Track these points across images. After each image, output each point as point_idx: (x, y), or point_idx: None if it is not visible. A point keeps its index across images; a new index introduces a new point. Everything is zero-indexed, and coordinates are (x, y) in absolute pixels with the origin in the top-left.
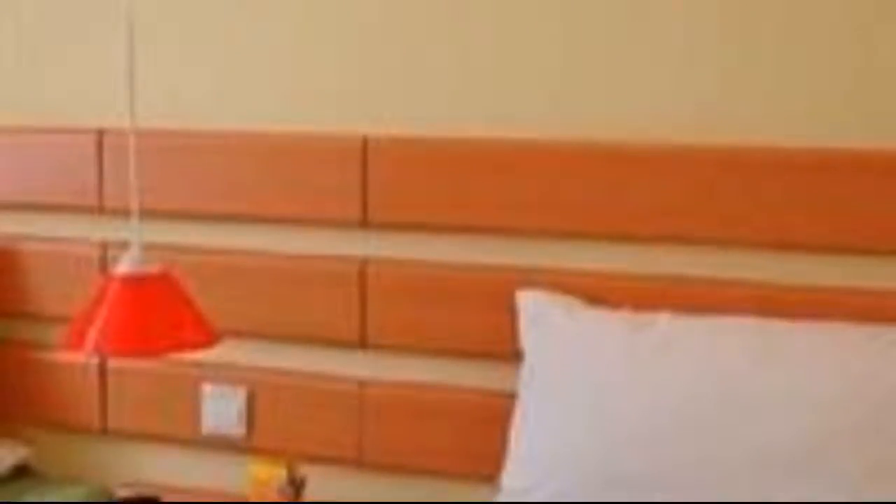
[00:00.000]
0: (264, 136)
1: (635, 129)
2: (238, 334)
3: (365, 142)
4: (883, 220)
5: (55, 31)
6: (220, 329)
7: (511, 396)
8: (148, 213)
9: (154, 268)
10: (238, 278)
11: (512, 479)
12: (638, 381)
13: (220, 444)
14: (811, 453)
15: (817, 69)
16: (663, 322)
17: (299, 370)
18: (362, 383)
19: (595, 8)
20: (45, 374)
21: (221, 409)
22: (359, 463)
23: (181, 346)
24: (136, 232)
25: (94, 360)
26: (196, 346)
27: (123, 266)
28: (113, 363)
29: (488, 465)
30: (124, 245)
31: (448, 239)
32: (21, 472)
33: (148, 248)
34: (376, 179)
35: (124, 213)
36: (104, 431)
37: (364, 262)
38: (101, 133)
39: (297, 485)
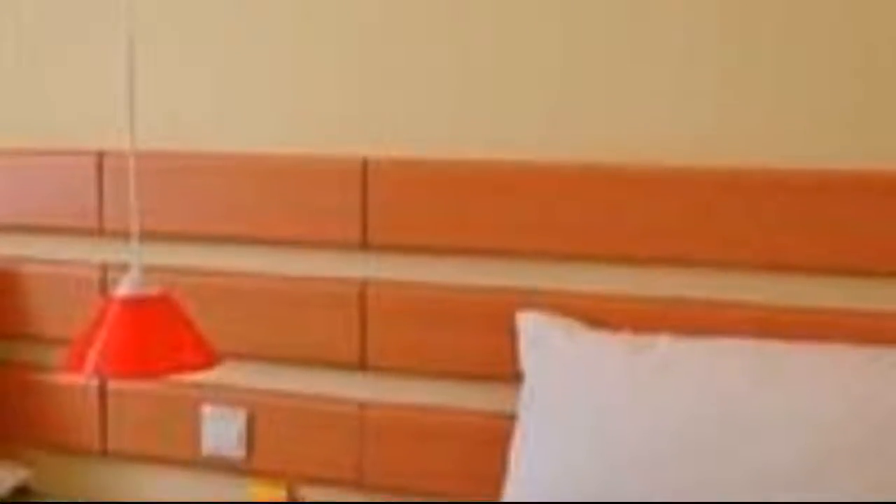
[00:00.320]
0: (264, 158)
1: (634, 151)
2: (238, 356)
3: (365, 163)
4: (882, 242)
5: (55, 53)
6: (220, 351)
7: (511, 418)
8: (148, 235)
9: (154, 290)
10: (238, 300)
11: (512, 500)
12: (638, 402)
13: (220, 466)
14: (811, 475)
15: (816, 91)
16: (663, 344)
17: (299, 392)
18: (362, 405)
19: (594, 30)
20: (45, 395)
21: (221, 431)
22: (359, 485)
23: (181, 368)
24: (136, 254)
25: (94, 382)
26: (196, 367)
27: (123, 288)
28: (113, 385)
29: (488, 487)
30: (124, 267)
31: (448, 261)
32: (21, 493)
33: (148, 269)
34: (376, 201)
35: (124, 234)
36: (104, 453)
37: (364, 284)
38: (101, 155)
39: None
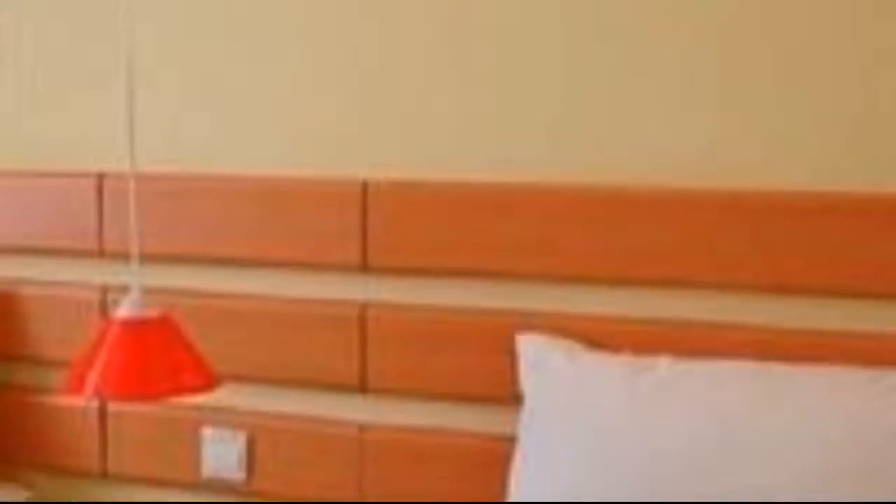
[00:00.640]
0: (264, 181)
1: (634, 174)
2: (238, 378)
3: (365, 186)
4: (884, 264)
5: (55, 75)
6: (220, 373)
7: (511, 440)
8: (148, 257)
9: (154, 312)
10: (238, 322)
11: None
12: (639, 424)
13: (221, 488)
14: (812, 497)
15: (817, 113)
16: (664, 366)
17: (299, 414)
18: (362, 427)
19: (595, 53)
20: (45, 417)
21: (221, 453)
22: None
23: (181, 390)
24: (137, 276)
25: (94, 404)
26: (196, 390)
27: (123, 310)
28: (113, 407)
29: None
30: (124, 289)
31: (448, 283)
32: None
33: (148, 291)
34: (376, 223)
35: (124, 256)
36: (104, 475)
37: (364, 307)
38: (101, 177)
39: None
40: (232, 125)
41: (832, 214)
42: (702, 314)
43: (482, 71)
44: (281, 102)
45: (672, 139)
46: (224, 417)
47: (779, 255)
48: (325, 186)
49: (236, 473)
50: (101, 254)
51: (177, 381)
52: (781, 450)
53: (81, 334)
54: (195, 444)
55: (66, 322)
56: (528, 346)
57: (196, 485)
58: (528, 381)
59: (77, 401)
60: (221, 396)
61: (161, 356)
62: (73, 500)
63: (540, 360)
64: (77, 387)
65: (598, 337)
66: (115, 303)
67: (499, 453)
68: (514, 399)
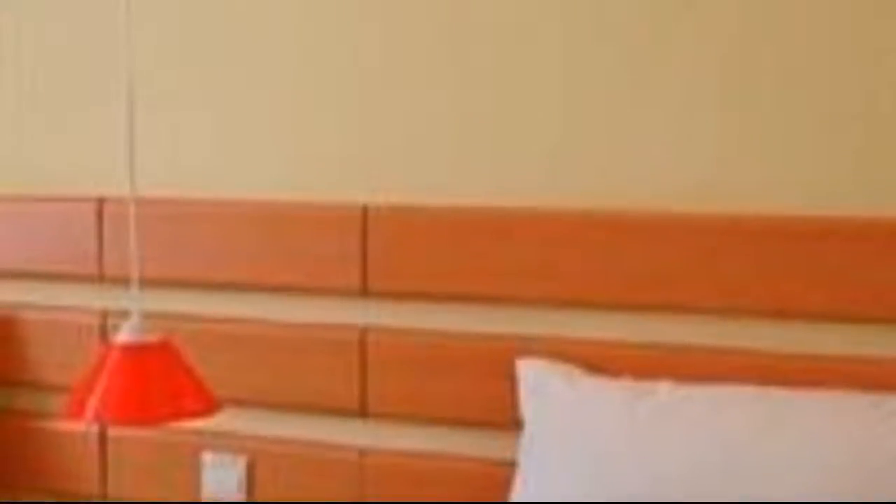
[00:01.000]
0: (264, 205)
1: (634, 198)
2: (238, 403)
3: (365, 210)
4: (884, 288)
5: (55, 99)
6: (220, 397)
7: (511, 465)
8: (148, 282)
9: (154, 336)
10: (238, 347)
11: None
12: (639, 449)
13: None
14: None
15: (817, 137)
16: (664, 391)
17: (299, 439)
18: (362, 452)
19: (595, 77)
20: (46, 442)
21: (221, 478)
22: None
23: (181, 415)
24: (137, 300)
25: (95, 429)
26: (196, 414)
27: (123, 335)
28: (113, 432)
29: None
30: (124, 314)
31: (448, 307)
32: None
33: (148, 316)
34: (376, 248)
35: (124, 281)
36: (104, 500)
37: (364, 331)
38: (101, 201)
39: None
40: (232, 149)
41: (832, 239)
42: (702, 339)
43: (482, 96)
44: (281, 127)
45: (671, 164)
46: (224, 442)
47: (779, 280)
48: (325, 211)
49: (236, 497)
50: (101, 278)
51: (177, 406)
52: (782, 475)
53: (81, 359)
54: (195, 469)
55: (67, 347)
56: (528, 370)
57: None
58: (527, 406)
59: (77, 425)
60: (221, 421)
61: (161, 381)
62: None
63: (540, 384)
64: (77, 411)
65: (598, 362)
66: (116, 328)
67: (499, 478)
68: (514, 424)
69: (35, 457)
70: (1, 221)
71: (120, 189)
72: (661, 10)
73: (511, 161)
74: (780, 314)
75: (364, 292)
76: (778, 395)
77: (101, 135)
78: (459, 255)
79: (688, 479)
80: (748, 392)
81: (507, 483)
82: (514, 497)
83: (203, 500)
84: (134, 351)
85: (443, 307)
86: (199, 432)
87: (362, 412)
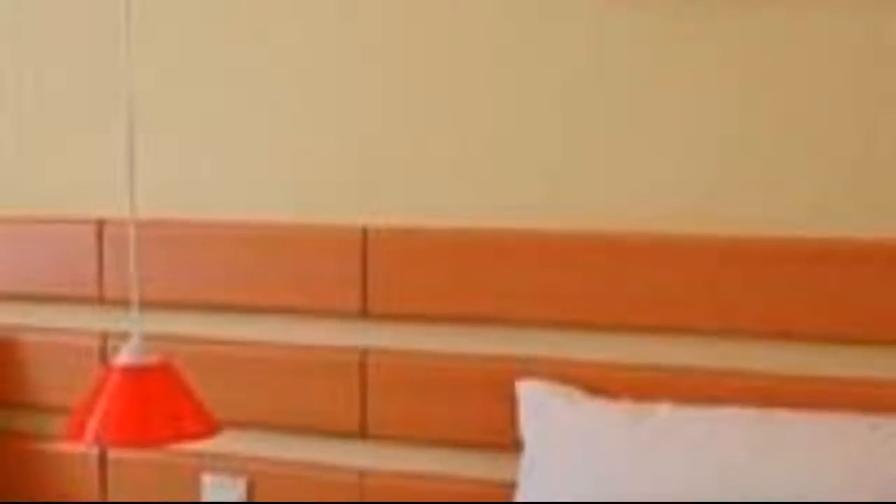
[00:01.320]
0: (264, 227)
1: (634, 220)
2: (238, 425)
3: (364, 232)
4: (884, 310)
5: (55, 120)
6: (220, 419)
7: (512, 486)
8: (148, 304)
9: (154, 358)
10: (238, 369)
11: None
12: (639, 471)
13: None
14: None
15: (817, 159)
16: (664, 413)
17: (299, 460)
18: (362, 473)
19: (595, 99)
20: (46, 464)
21: (222, 500)
22: None
23: (181, 437)
24: (137, 322)
25: (95, 451)
26: (196, 436)
27: (124, 356)
28: (113, 453)
29: None
30: (124, 335)
31: (448, 329)
32: None
33: (148, 338)
34: (376, 270)
35: (124, 303)
36: None
37: (364, 353)
38: (101, 223)
39: None
40: (232, 171)
41: (832, 260)
42: (702, 361)
43: (482, 118)
44: (281, 149)
45: (671, 185)
46: (224, 464)
47: (778, 302)
48: (325, 233)
49: None
50: (101, 300)
51: (177, 428)
52: (781, 496)
53: (81, 381)
54: (195, 491)
55: (67, 369)
56: (529, 392)
57: None
58: (528, 428)
59: (77, 447)
60: (221, 443)
61: (161, 403)
62: None
63: (540, 406)
64: (77, 433)
65: (598, 383)
66: (116, 349)
67: (499, 499)
68: (515, 445)
69: (35, 478)
70: (1, 243)
71: (120, 210)
72: (662, 35)
73: (511, 183)
74: (780, 336)
75: (364, 314)
76: (778, 417)
77: (102, 156)
78: (459, 276)
79: (687, 501)
80: (748, 414)
81: None
82: None
83: None
84: (134, 373)
85: (443, 329)
86: (199, 454)
87: (362, 434)
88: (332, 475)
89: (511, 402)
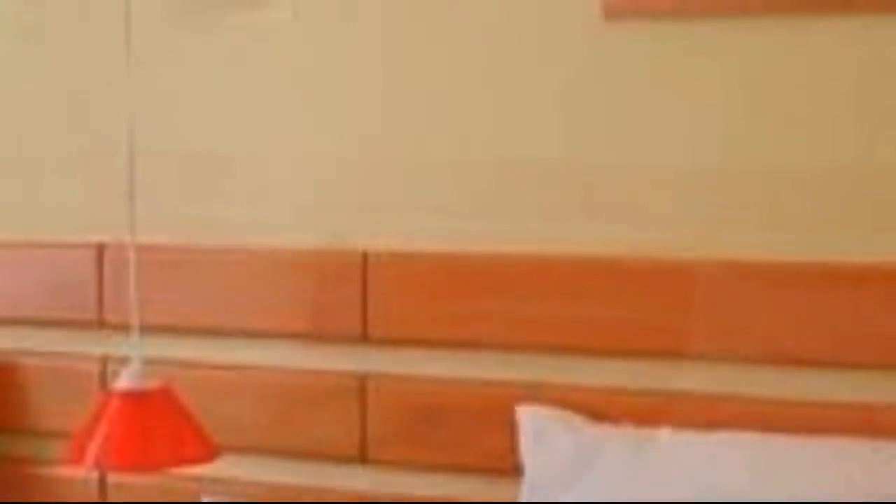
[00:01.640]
0: (264, 252)
1: (634, 245)
2: (238, 449)
3: (365, 257)
4: (885, 335)
5: (54, 143)
6: (219, 443)
7: None
8: (148, 328)
9: (154, 383)
10: (238, 393)
11: None
12: (640, 496)
13: None
14: None
15: (817, 181)
16: (664, 437)
17: (300, 485)
18: (362, 498)
19: (595, 124)
20: (46, 489)
21: None
22: None
23: (181, 461)
24: (137, 347)
25: (95, 475)
26: (196, 460)
27: (124, 381)
28: (113, 478)
29: None
30: (125, 360)
31: (448, 354)
32: None
33: (148, 362)
34: (376, 295)
35: (124, 328)
36: None
37: (364, 378)
38: (101, 247)
39: None
40: (231, 195)
41: (833, 284)
42: (702, 385)
43: (484, 142)
44: (281, 173)
45: (672, 210)
46: (224, 488)
47: (779, 326)
48: (325, 257)
49: None
50: (101, 325)
51: (177, 452)
52: None
53: (81, 406)
54: None
55: (66, 393)
56: (529, 417)
57: None
58: (528, 453)
59: (77, 472)
60: (221, 467)
61: (161, 427)
62: None
63: (541, 431)
64: (78, 458)
65: (599, 408)
66: (116, 374)
67: None
68: (515, 471)
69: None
70: (1, 267)
71: (120, 235)
72: (661, 54)
73: (511, 208)
74: (781, 360)
75: (364, 339)
76: (779, 442)
77: (102, 180)
78: (460, 301)
79: None
80: (749, 438)
81: None
82: None
83: None
84: (134, 397)
85: (443, 354)
86: (198, 478)
87: (362, 458)
88: (333, 500)
89: (511, 427)
